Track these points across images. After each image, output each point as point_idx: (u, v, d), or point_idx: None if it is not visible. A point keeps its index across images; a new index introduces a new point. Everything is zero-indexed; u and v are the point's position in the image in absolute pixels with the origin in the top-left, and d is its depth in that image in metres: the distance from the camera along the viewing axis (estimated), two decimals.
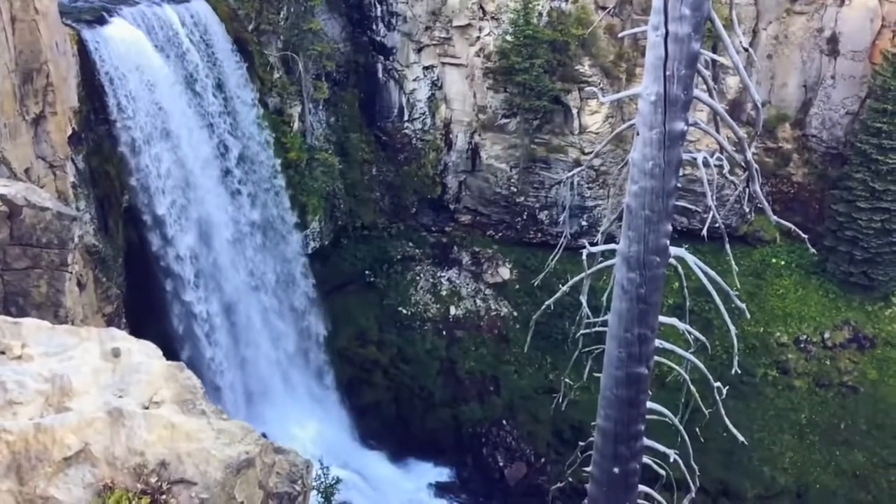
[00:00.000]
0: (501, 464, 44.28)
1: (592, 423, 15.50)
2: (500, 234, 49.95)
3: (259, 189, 39.20)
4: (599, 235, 15.82)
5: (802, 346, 46.05)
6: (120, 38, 29.88)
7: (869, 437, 43.94)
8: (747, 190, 13.40)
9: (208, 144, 35.12)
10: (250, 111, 37.77)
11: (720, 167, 13.80)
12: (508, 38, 44.34)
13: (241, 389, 38.85)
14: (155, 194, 32.31)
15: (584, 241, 15.42)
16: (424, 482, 43.34)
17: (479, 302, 48.19)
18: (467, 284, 48.74)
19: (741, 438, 16.03)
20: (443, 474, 44.03)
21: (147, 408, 9.17)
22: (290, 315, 42.46)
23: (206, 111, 34.82)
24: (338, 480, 32.38)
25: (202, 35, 34.69)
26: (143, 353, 10.02)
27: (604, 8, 44.12)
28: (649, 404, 14.81)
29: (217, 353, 36.68)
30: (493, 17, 45.15)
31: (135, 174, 31.52)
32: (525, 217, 49.10)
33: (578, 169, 20.08)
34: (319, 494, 30.55)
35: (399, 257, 49.01)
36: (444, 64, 47.02)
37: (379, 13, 46.40)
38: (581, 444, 16.85)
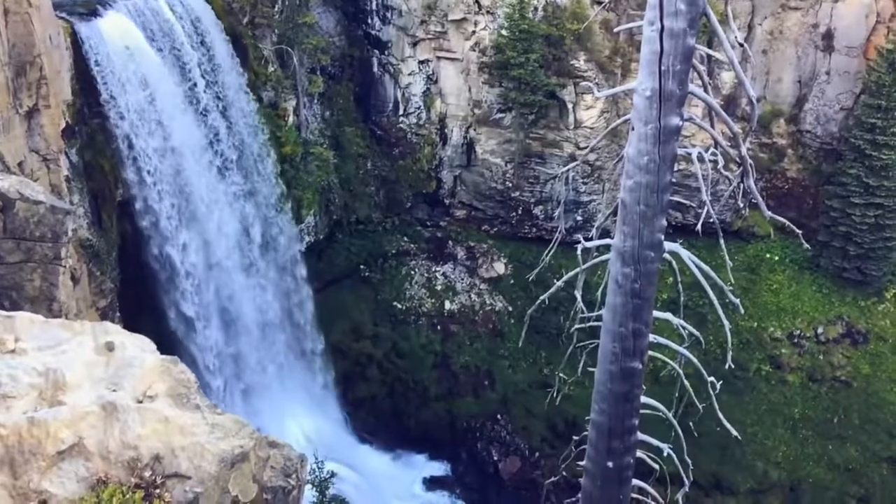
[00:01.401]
0: (496, 458, 44.32)
1: (586, 418, 15.55)
2: (495, 229, 49.93)
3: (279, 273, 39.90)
4: (594, 230, 15.82)
5: (796, 340, 46.19)
6: (113, 31, 29.68)
7: (861, 431, 44.12)
8: (742, 185, 13.42)
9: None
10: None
11: (715, 162, 13.83)
12: (504, 32, 44.25)
13: (235, 383, 38.80)
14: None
15: (579, 236, 15.37)
16: (419, 476, 43.36)
17: (473, 297, 48.17)
18: (462, 279, 48.72)
19: (734, 433, 16.06)
20: (437, 468, 44.05)
21: (141, 402, 9.16)
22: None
23: (198, 98, 34.50)
24: (332, 474, 32.46)
25: (199, 31, 34.39)
26: (137, 347, 10.01)
27: (599, 3, 44.03)
28: (643, 399, 14.85)
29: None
30: (488, 12, 45.05)
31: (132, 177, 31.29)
32: (520, 212, 49.07)
33: (573, 164, 20.07)
34: (314, 488, 30.61)
35: (394, 252, 48.94)
36: (439, 58, 46.89)
37: (374, 7, 46.26)
38: (575, 438, 16.89)
